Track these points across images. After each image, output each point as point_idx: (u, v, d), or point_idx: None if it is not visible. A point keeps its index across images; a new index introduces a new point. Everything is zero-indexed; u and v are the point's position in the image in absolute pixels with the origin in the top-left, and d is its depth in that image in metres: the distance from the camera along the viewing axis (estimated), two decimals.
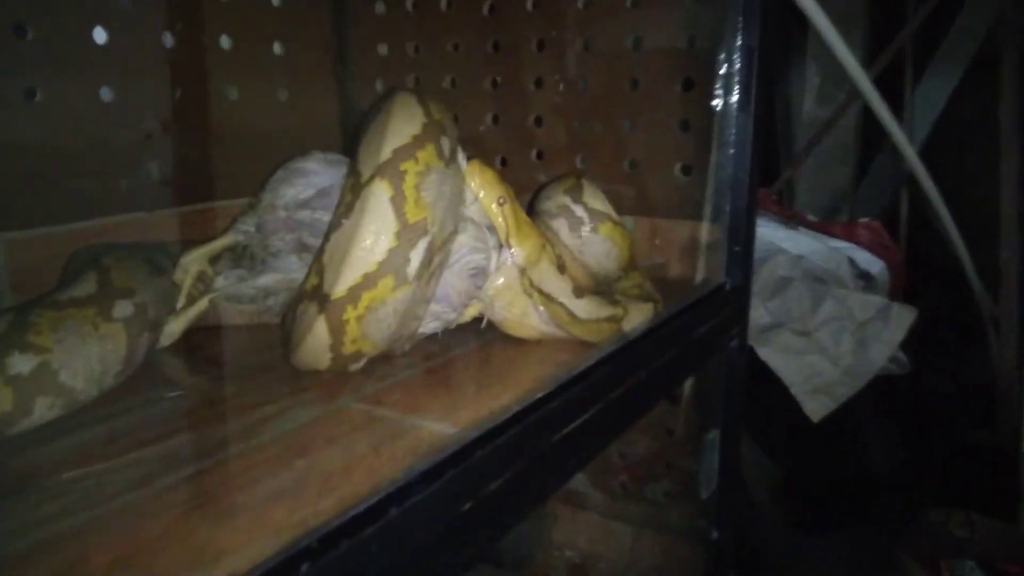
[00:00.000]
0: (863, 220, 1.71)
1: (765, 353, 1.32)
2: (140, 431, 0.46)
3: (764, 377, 1.30)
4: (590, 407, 0.54)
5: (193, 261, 0.62)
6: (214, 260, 0.65)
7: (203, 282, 0.64)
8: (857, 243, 1.62)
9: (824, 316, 1.38)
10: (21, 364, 0.44)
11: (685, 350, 0.70)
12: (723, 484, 0.87)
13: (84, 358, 0.47)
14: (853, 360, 1.36)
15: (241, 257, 0.63)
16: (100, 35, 0.72)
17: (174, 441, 0.45)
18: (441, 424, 0.47)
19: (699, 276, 0.86)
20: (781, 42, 2.30)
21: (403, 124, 0.52)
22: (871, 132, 2.29)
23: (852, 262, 1.55)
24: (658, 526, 0.98)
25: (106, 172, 0.74)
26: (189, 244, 0.65)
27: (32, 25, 0.66)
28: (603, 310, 0.62)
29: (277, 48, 0.92)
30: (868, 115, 2.26)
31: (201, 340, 0.63)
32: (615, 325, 0.62)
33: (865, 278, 1.55)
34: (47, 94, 0.68)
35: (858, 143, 2.30)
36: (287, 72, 0.94)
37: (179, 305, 0.62)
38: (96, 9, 0.71)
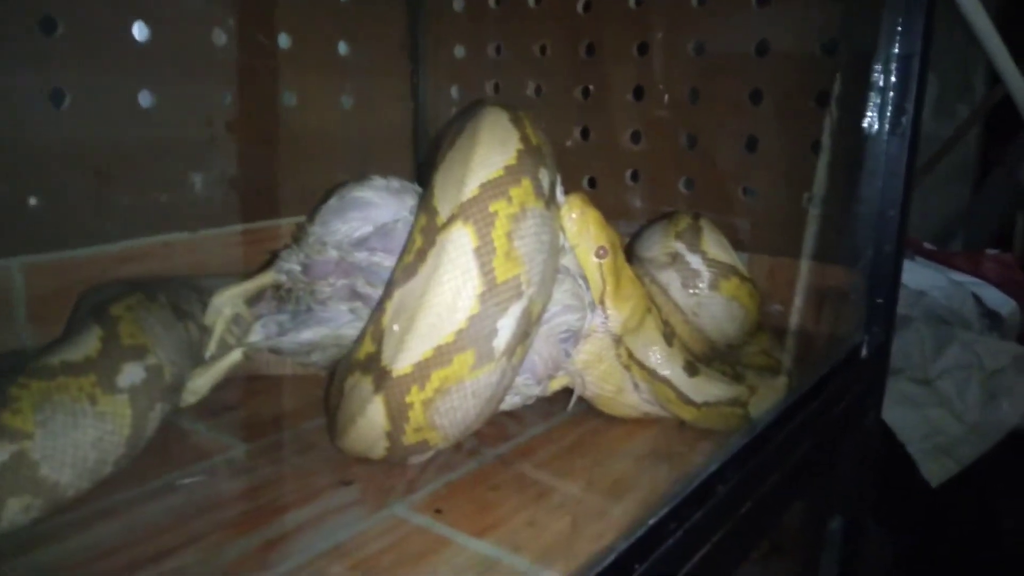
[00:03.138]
0: (991, 252, 1.50)
1: None
2: (129, 547, 0.36)
3: None
4: (712, 534, 0.40)
5: (226, 302, 0.52)
6: (252, 300, 0.54)
7: (239, 326, 0.54)
8: (983, 277, 1.42)
9: (948, 363, 1.20)
10: None
11: (818, 438, 0.56)
12: None
13: (74, 445, 0.37)
14: (981, 416, 1.18)
15: (285, 298, 0.53)
16: (140, 31, 0.63)
17: (168, 565, 0.35)
18: (522, 562, 0.35)
19: (824, 329, 0.71)
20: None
21: (493, 151, 0.40)
22: (993, 148, 2.05)
23: (978, 300, 1.36)
24: None
25: (142, 187, 0.65)
26: (224, 278, 0.55)
27: (63, 19, 0.58)
28: (724, 390, 0.48)
29: (342, 48, 0.81)
30: (990, 129, 2.03)
31: (233, 396, 0.53)
32: (739, 410, 0.49)
33: (993, 319, 1.35)
34: (77, 98, 0.59)
35: (978, 161, 2.06)
36: (353, 74, 0.83)
37: (208, 353, 0.52)
38: (137, 1, 0.62)
